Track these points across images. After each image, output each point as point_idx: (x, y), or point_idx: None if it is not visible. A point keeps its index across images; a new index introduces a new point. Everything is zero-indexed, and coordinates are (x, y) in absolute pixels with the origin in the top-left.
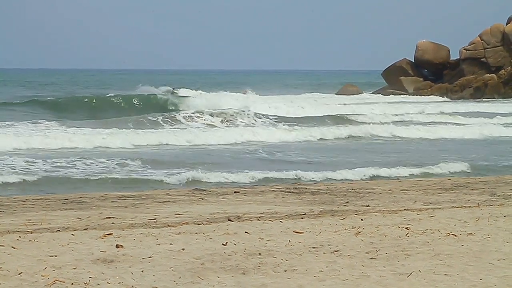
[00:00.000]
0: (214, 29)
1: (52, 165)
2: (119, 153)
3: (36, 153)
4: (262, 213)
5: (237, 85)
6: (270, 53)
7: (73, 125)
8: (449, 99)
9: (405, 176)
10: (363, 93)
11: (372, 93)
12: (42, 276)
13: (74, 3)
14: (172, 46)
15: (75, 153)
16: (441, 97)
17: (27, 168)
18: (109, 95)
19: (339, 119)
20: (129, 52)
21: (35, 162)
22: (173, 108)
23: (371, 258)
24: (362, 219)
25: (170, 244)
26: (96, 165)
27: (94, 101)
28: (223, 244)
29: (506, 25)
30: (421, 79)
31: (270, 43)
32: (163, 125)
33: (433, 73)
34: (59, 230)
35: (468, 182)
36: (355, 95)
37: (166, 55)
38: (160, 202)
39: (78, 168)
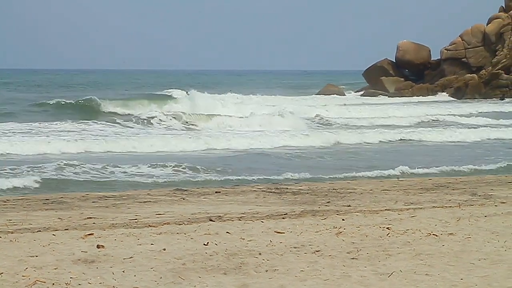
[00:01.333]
0: (209, 30)
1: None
2: None
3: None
4: (243, 213)
5: (230, 86)
6: (266, 54)
7: None
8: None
9: None
10: (345, 95)
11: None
12: (23, 276)
13: (74, 4)
14: (170, 47)
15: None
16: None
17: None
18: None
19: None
20: (129, 52)
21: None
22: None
23: (352, 258)
24: (343, 219)
25: (151, 244)
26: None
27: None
28: (204, 244)
29: (486, 25)
30: (402, 79)
31: (266, 44)
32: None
33: (414, 73)
34: (40, 231)
35: (449, 182)
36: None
37: (163, 55)
38: (141, 202)
39: None
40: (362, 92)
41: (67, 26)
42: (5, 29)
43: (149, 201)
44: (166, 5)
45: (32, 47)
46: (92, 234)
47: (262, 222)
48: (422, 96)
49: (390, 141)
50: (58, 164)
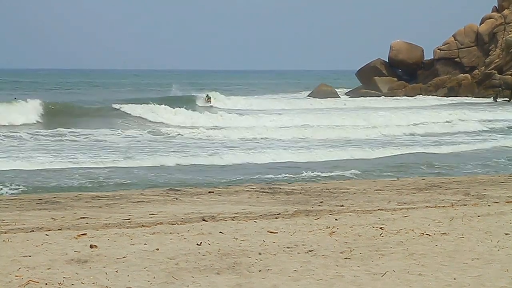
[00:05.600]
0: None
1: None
2: None
3: None
4: (236, 213)
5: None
6: (265, 54)
7: None
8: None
9: None
10: (340, 97)
11: (346, 93)
12: (16, 276)
13: (75, 5)
14: (167, 48)
15: None
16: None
17: None
18: None
19: None
20: (129, 53)
21: None
22: None
23: (346, 258)
24: (336, 219)
25: (145, 244)
26: None
27: None
28: (197, 244)
29: (479, 25)
30: (395, 79)
31: (265, 45)
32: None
33: (407, 73)
34: (33, 230)
35: (442, 182)
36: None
37: (160, 56)
38: (134, 202)
39: None
40: (354, 93)
41: (67, 27)
42: (6, 30)
43: (142, 201)
44: (166, 5)
45: (30, 47)
46: (85, 234)
47: (255, 222)
48: (418, 95)
49: None
50: None
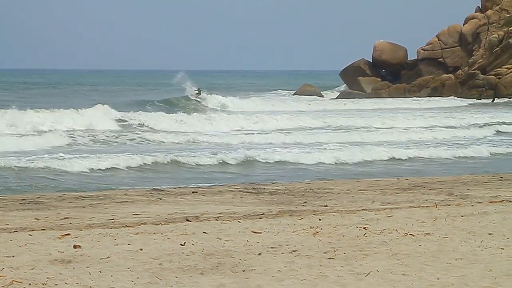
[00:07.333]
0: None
1: None
2: None
3: None
4: (220, 213)
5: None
6: (259, 55)
7: None
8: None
9: None
10: (323, 96)
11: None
12: None
13: (76, 6)
14: (167, 48)
15: None
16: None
17: None
18: None
19: None
20: (129, 53)
21: None
22: None
23: (329, 258)
24: (320, 219)
25: (128, 244)
26: None
27: None
28: (181, 244)
29: (463, 25)
30: (379, 79)
31: (261, 45)
32: None
33: (391, 73)
34: (16, 231)
35: (426, 182)
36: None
37: (160, 56)
38: (118, 202)
39: None
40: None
41: (66, 26)
42: (7, 30)
43: (126, 201)
44: (165, 5)
45: (29, 47)
46: (69, 234)
47: (239, 222)
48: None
49: None
50: None
